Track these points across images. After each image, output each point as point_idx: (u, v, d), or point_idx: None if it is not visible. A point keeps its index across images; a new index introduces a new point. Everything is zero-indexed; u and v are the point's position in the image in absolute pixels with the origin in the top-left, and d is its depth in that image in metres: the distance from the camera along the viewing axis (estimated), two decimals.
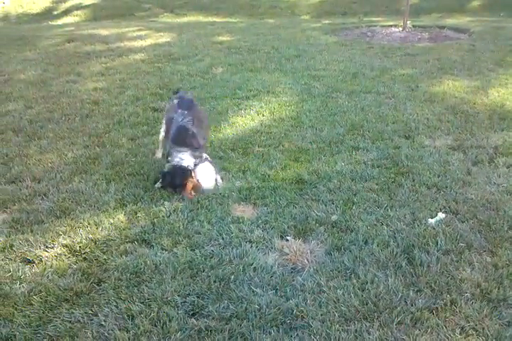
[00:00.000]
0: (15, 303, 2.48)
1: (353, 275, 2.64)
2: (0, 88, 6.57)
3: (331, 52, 8.15)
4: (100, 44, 9.38)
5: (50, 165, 4.16)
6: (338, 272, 2.67)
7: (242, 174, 3.89)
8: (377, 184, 3.64)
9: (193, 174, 3.58)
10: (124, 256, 2.87)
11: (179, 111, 3.85)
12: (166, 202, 3.45)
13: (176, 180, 3.52)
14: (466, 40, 9.11)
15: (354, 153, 4.24)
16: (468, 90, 5.88)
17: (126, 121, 5.16)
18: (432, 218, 3.16)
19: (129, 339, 2.26)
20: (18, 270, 2.75)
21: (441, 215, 3.18)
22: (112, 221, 3.24)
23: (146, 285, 2.61)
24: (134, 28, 11.33)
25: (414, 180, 3.69)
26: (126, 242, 3.02)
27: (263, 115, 5.22)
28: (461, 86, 6.04)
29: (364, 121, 4.95)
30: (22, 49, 9.33)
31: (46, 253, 2.91)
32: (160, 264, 2.78)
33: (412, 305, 2.42)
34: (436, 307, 2.41)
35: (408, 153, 4.19)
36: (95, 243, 3.01)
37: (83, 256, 2.90)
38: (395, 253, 2.81)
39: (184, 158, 3.59)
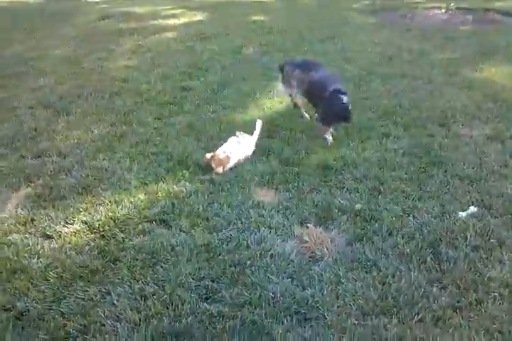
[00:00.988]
0: (31, 278, 2.50)
1: (373, 268, 2.53)
2: (35, 63, 6.65)
3: (368, 34, 7.83)
4: (134, 21, 9.35)
5: (76, 141, 4.18)
6: (359, 263, 2.57)
7: (266, 158, 3.79)
8: (406, 173, 3.48)
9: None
10: (141, 236, 2.85)
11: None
12: (187, 183, 3.40)
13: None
14: None
15: (384, 140, 4.06)
16: (511, 77, 5.53)
17: (154, 99, 5.12)
18: (462, 211, 3.00)
19: (139, 320, 2.24)
20: (37, 244, 2.78)
21: (473, 209, 3.01)
22: (133, 200, 3.22)
23: (161, 266, 2.58)
24: (168, 7, 11.21)
25: (446, 171, 3.50)
26: (145, 222, 2.99)
27: None
28: (504, 72, 5.68)
29: (397, 107, 4.73)
30: (58, 25, 9.43)
31: (66, 229, 2.93)
32: (177, 246, 2.75)
33: (434, 303, 2.31)
34: (461, 306, 2.29)
35: (442, 142, 3.99)
36: (114, 221, 3.00)
37: (101, 233, 2.90)
38: (420, 246, 2.67)
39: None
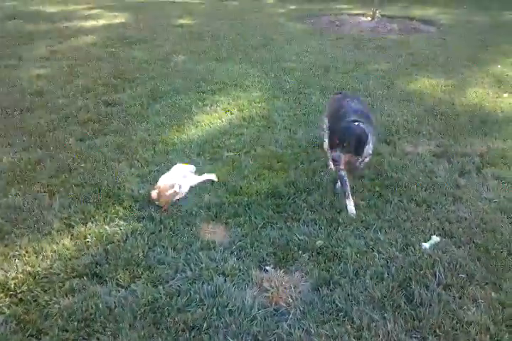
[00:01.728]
0: None
1: (346, 319, 2.26)
2: None
3: (299, 42, 7.71)
4: (46, 23, 8.49)
5: None
6: (330, 315, 2.28)
7: (211, 185, 3.42)
8: (362, 199, 3.28)
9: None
10: (70, 296, 2.36)
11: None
12: (121, 222, 2.94)
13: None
14: (435, 33, 8.91)
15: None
16: (445, 89, 5.62)
17: (75, 116, 4.53)
18: (425, 242, 2.83)
19: None
20: None
21: (435, 239, 2.86)
22: (56, 248, 2.70)
23: (97, 339, 2.12)
24: (84, 6, 10.41)
25: (401, 195, 3.35)
26: (73, 277, 2.49)
27: (231, 113, 4.73)
28: (438, 84, 5.78)
29: None
30: None
31: None
32: (115, 307, 2.29)
33: None
34: None
35: (391, 161, 3.85)
36: (34, 278, 2.47)
37: (19, 296, 2.36)
38: (390, 288, 2.45)
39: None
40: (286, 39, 7.87)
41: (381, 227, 2.96)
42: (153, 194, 3.06)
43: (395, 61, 6.71)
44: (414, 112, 4.87)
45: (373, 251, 2.74)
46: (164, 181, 3.12)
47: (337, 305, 2.33)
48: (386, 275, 2.54)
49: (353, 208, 3.12)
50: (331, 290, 2.43)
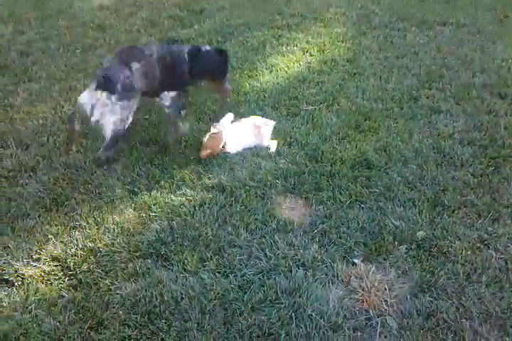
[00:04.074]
0: None
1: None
2: None
3: None
4: None
5: (41, 121, 3.26)
6: (434, 333, 1.88)
7: (288, 147, 2.96)
8: (472, 174, 2.69)
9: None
10: (133, 282, 2.11)
11: None
12: (188, 191, 2.60)
13: None
14: None
15: (434, 118, 3.22)
16: None
17: None
18: None
19: None
20: None
21: None
22: (119, 219, 2.44)
23: (161, 340, 1.88)
24: None
25: None
26: (137, 257, 2.23)
27: (310, 54, 4.08)
28: None
29: (443, 69, 3.81)
30: None
31: (29, 271, 2.17)
32: (182, 299, 2.02)
33: None
34: None
35: (507, 122, 3.15)
36: (95, 256, 2.24)
37: (79, 277, 2.15)
38: (510, 302, 1.98)
39: None
40: None
41: (499, 216, 2.41)
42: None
43: None
44: None
45: (489, 247, 2.23)
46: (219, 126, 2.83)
47: (444, 321, 1.91)
48: (506, 282, 2.06)
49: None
50: (435, 299, 2.01)
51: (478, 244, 2.25)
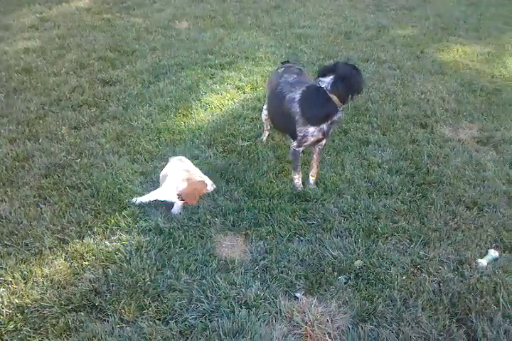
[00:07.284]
0: None
1: None
2: None
3: (314, 3, 6.96)
4: None
5: None
6: None
7: (226, 184, 2.96)
8: (402, 201, 2.82)
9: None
10: (65, 338, 1.97)
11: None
12: (123, 235, 2.51)
13: None
14: None
15: (364, 149, 3.38)
16: (481, 58, 5.01)
17: (68, 99, 4.01)
18: (482, 258, 2.40)
19: None
20: None
21: (493, 253, 2.43)
22: (48, 271, 2.29)
23: None
24: None
25: (446, 194, 2.89)
26: (69, 311, 2.09)
27: (244, 92, 4.19)
28: (472, 52, 5.16)
29: (369, 102, 4.03)
30: None
31: None
32: None
33: None
34: None
35: (430, 150, 3.36)
36: (23, 313, 2.08)
37: (4, 338, 1.97)
38: (447, 323, 2.04)
39: None
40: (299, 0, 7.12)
41: (429, 239, 2.52)
42: (182, 187, 2.68)
43: (423, 25, 6.03)
44: (451, 88, 4.31)
45: (422, 271, 2.32)
46: (195, 177, 2.75)
47: None
48: (440, 305, 2.13)
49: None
50: (376, 326, 2.03)
51: (412, 269, 2.33)
